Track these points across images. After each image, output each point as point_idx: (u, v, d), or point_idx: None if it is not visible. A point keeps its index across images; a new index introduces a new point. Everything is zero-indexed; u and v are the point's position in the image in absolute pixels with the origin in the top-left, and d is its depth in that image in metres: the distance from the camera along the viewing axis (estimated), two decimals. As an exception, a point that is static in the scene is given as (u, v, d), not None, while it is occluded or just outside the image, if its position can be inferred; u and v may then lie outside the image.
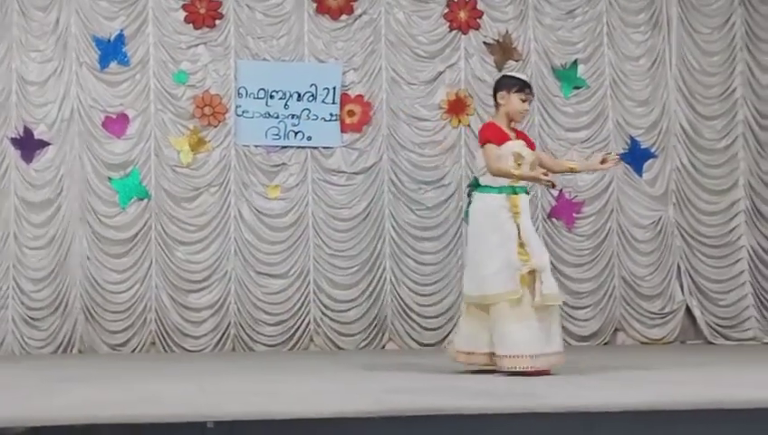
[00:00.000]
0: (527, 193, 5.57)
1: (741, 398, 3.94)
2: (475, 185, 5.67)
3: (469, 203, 5.68)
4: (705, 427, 3.47)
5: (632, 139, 8.74)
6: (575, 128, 8.74)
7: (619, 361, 5.90)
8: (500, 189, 5.47)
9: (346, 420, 3.37)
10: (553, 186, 5.56)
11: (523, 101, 5.58)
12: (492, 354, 5.40)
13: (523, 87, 5.61)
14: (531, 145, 5.68)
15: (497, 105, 5.66)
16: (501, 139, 5.50)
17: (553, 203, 8.59)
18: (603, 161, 5.78)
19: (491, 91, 8.33)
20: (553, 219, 8.63)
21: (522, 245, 5.37)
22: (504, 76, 5.91)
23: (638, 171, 8.76)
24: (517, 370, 5.22)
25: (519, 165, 5.46)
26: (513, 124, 5.65)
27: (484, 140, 5.55)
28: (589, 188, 8.63)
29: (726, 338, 8.68)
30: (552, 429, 3.36)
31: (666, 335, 8.66)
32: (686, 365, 6.10)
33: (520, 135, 5.67)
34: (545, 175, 5.39)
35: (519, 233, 5.39)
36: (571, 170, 6.00)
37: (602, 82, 8.78)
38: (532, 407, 3.66)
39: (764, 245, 8.83)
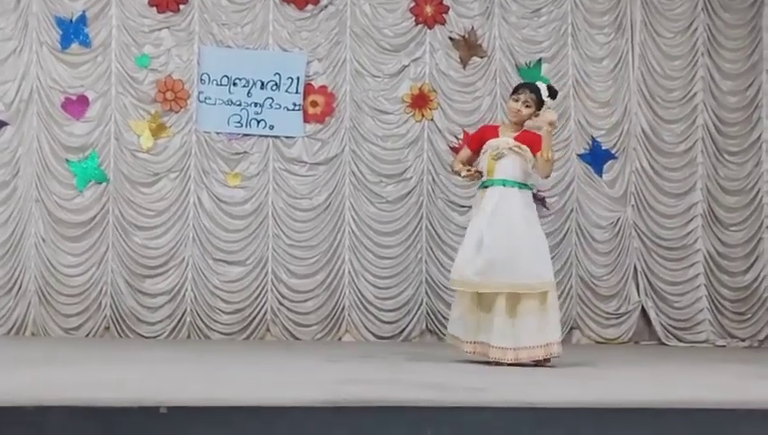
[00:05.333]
0: (509, 185, 5.83)
1: (687, 398, 3.99)
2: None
3: None
4: (653, 425, 3.50)
5: (594, 139, 8.79)
6: (538, 126, 8.76)
7: (571, 359, 5.95)
8: (480, 185, 5.98)
9: (297, 410, 3.37)
10: (473, 178, 6.04)
11: (516, 101, 5.97)
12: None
13: (517, 89, 6.09)
14: (533, 142, 5.92)
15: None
16: (488, 136, 6.00)
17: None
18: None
19: (455, 87, 8.60)
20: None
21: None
22: None
23: (599, 172, 8.82)
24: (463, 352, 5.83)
25: (494, 159, 5.83)
26: (523, 126, 6.05)
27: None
28: (549, 188, 8.67)
29: (680, 340, 8.77)
30: (501, 423, 3.38)
31: (620, 335, 8.73)
32: (638, 364, 6.17)
33: (524, 134, 5.98)
34: (468, 171, 5.97)
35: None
36: (543, 155, 5.91)
37: (566, 82, 8.81)
38: (482, 401, 3.68)
39: (720, 249, 8.94)
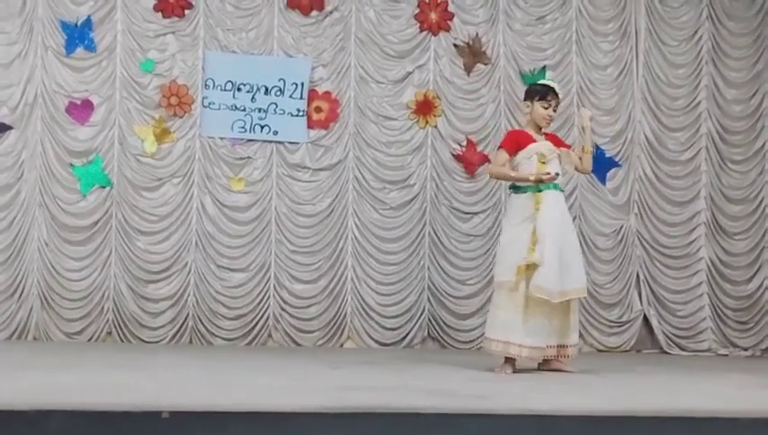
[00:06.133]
0: (557, 189, 5.92)
1: (689, 407, 3.99)
2: (511, 185, 6.09)
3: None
4: (654, 433, 3.50)
5: (597, 147, 8.79)
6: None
7: (574, 367, 5.93)
8: (525, 189, 5.89)
9: (298, 416, 3.37)
10: (540, 181, 5.83)
11: (546, 108, 5.98)
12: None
13: (545, 94, 6.00)
14: (562, 145, 6.13)
15: (526, 114, 6.11)
16: (525, 141, 5.95)
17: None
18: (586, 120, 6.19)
19: (459, 94, 8.61)
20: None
21: (534, 242, 5.71)
22: (529, 86, 6.39)
23: (602, 180, 8.82)
24: (507, 354, 5.70)
25: (543, 163, 5.86)
26: (542, 130, 6.07)
27: (500, 144, 6.13)
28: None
29: (682, 348, 8.75)
30: (503, 430, 3.38)
31: (623, 344, 8.71)
32: (640, 373, 6.16)
33: (549, 137, 6.09)
34: (548, 174, 5.76)
35: (535, 229, 5.74)
36: (587, 151, 6.14)
37: (570, 90, 8.81)
38: (485, 408, 3.68)
39: (723, 257, 8.93)
